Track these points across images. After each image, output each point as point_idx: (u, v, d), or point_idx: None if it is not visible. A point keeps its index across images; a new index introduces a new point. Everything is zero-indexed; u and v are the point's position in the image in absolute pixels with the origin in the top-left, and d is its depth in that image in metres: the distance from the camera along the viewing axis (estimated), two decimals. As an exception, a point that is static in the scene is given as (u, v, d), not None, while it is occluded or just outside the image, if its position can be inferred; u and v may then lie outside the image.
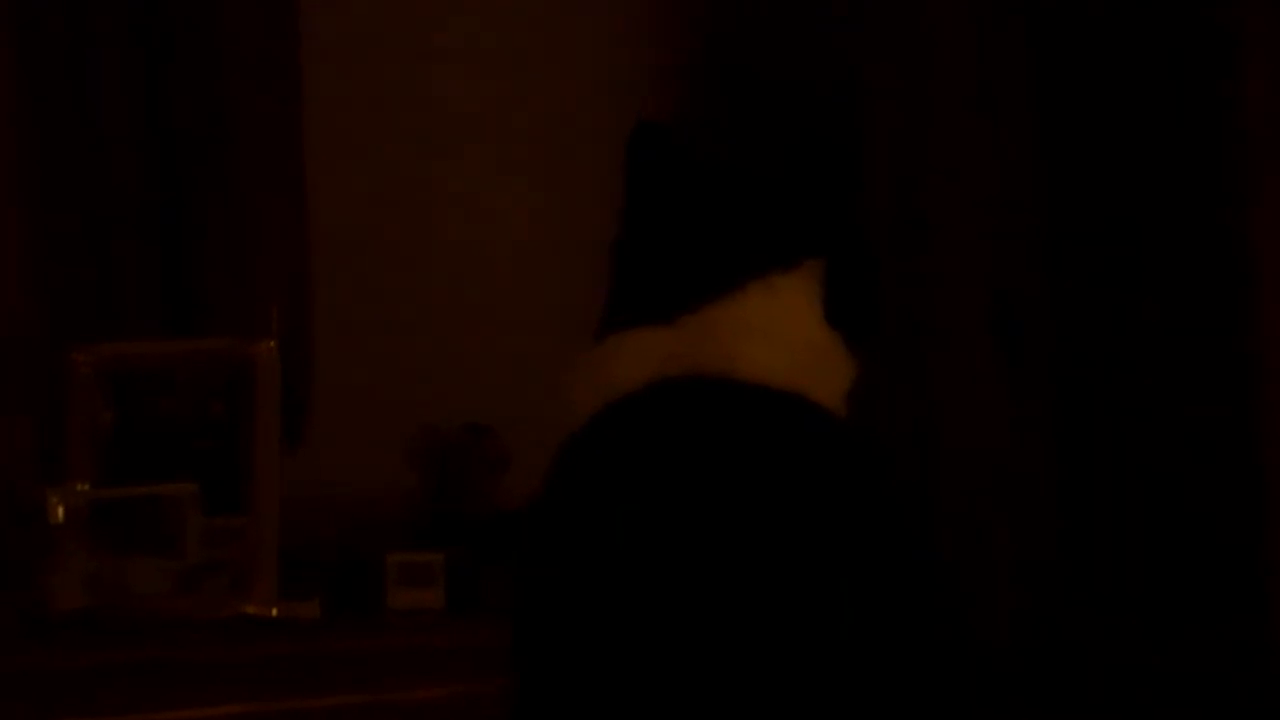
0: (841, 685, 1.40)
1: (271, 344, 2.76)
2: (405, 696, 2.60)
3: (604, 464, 1.51)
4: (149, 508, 2.70)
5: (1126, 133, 2.93)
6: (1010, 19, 3.04)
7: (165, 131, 3.01)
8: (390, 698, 2.60)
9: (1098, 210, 2.97)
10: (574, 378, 1.58)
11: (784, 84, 3.17)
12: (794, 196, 1.60)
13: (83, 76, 2.97)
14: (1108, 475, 2.94)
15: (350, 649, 2.67)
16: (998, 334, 3.00)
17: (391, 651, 2.67)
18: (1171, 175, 2.88)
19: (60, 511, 2.65)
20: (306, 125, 3.09)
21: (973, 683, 1.52)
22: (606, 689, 1.42)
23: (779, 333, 1.55)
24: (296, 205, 3.08)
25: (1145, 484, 2.89)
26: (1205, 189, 2.84)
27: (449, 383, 3.15)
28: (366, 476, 3.01)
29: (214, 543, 2.70)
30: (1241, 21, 2.80)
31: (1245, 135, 2.79)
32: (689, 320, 1.55)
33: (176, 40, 3.02)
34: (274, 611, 2.67)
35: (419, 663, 2.65)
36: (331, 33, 3.13)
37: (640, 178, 1.64)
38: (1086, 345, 2.97)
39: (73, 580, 2.64)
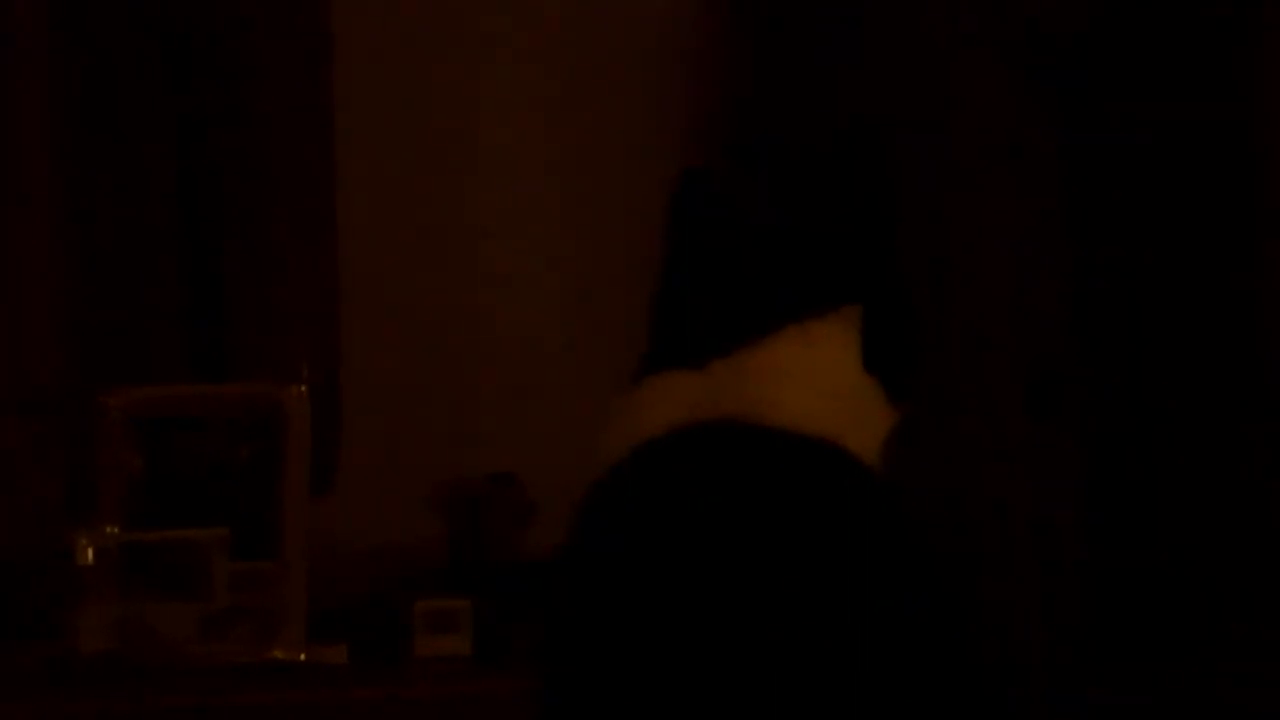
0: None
1: (302, 389, 2.77)
2: (431, 743, 2.61)
3: (626, 510, 1.51)
4: (177, 552, 2.71)
5: (1155, 188, 2.93)
6: (1039, 80, 3.04)
7: (198, 177, 3.02)
8: (416, 744, 2.60)
9: (1126, 264, 2.97)
10: (607, 423, 1.58)
11: (815, 140, 3.17)
12: (832, 242, 1.60)
13: (117, 124, 2.99)
14: (1139, 531, 2.93)
15: (377, 695, 2.67)
16: (1028, 392, 2.99)
17: (418, 698, 2.67)
18: (1201, 232, 2.88)
19: (89, 554, 2.66)
20: (339, 175, 3.10)
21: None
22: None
23: (813, 378, 1.54)
24: (328, 253, 3.09)
25: (1178, 540, 2.88)
26: (1235, 247, 2.84)
27: (476, 432, 3.15)
28: (394, 523, 3.02)
29: (242, 588, 2.70)
30: (1275, 83, 2.81)
31: (1276, 194, 2.80)
32: (722, 365, 1.54)
33: (211, 86, 3.03)
34: (301, 657, 2.67)
35: (445, 710, 2.65)
36: (366, 80, 3.14)
37: (683, 226, 1.64)
38: (1116, 400, 2.97)
39: (100, 623, 2.64)
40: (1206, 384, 2.87)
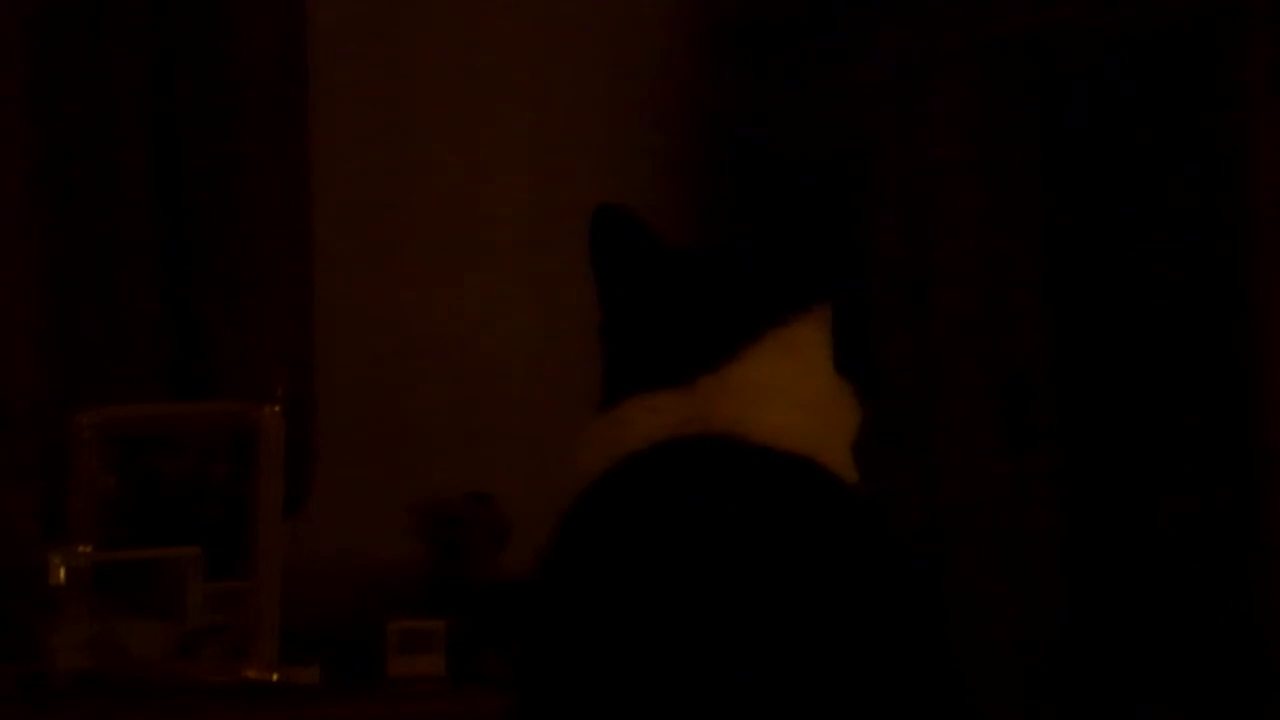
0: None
1: (276, 408, 2.77)
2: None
3: (605, 527, 1.51)
4: (151, 571, 2.70)
5: (1134, 208, 2.94)
6: (1019, 96, 3.05)
7: (175, 194, 3.02)
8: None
9: (1103, 283, 2.97)
10: (586, 441, 1.58)
11: (787, 154, 3.18)
12: (791, 249, 1.62)
13: (96, 137, 2.99)
14: (1114, 548, 2.94)
15: (350, 715, 2.66)
16: (1003, 407, 3.00)
17: (391, 719, 2.67)
18: (1178, 249, 2.89)
19: (62, 573, 2.65)
20: (315, 191, 3.10)
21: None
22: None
23: (793, 390, 1.56)
24: (303, 272, 3.09)
25: (1151, 558, 2.89)
26: (1213, 267, 2.85)
27: (452, 452, 3.15)
28: (369, 544, 3.01)
29: (215, 607, 2.70)
30: (1250, 115, 2.82)
31: (1252, 218, 2.81)
32: (707, 381, 1.56)
33: (189, 100, 3.03)
34: (274, 677, 2.67)
35: (419, 730, 2.65)
36: (341, 95, 3.15)
37: (615, 257, 1.66)
38: (1091, 418, 2.98)
39: (74, 642, 2.63)
40: (1184, 400, 2.88)
